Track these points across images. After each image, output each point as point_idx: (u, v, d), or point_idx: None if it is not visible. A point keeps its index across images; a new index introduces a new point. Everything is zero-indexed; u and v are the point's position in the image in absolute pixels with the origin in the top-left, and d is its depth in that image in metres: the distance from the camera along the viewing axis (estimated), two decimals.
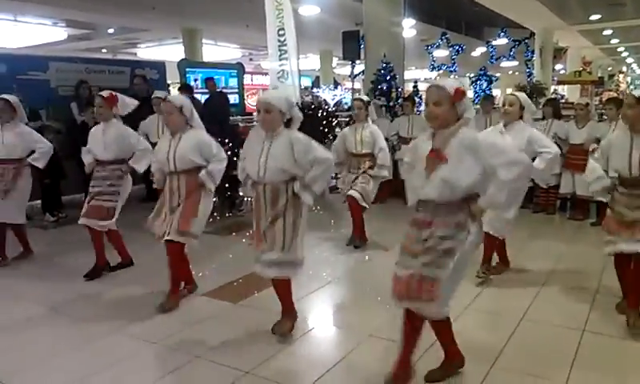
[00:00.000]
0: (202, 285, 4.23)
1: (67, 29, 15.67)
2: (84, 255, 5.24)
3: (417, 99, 9.89)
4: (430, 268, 2.49)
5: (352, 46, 10.53)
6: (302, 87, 10.33)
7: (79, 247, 5.55)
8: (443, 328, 2.73)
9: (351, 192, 5.11)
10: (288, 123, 3.21)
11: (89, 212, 4.43)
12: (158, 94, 6.07)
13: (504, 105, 4.16)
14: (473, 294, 3.91)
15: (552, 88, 19.66)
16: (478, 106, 8.29)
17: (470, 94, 23.72)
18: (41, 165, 4.94)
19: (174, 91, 12.26)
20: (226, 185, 6.17)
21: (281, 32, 7.86)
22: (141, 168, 4.50)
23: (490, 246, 4.16)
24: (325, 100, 9.48)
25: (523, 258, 4.70)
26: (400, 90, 8.88)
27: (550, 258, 4.68)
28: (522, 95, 4.25)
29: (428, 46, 18.23)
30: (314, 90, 21.04)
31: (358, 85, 12.99)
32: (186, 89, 8.39)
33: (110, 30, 16.38)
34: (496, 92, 19.87)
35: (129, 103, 4.55)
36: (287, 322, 3.35)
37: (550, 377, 2.81)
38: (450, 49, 18.06)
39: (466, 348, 3.13)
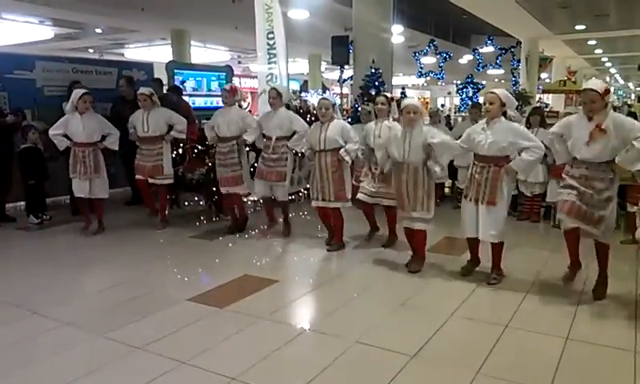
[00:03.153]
0: (188, 289, 4.20)
1: (54, 28, 15.46)
2: (67, 257, 5.20)
3: None
4: (598, 210, 3.74)
5: (341, 50, 10.55)
6: (291, 91, 10.30)
7: (62, 249, 5.50)
8: (605, 250, 3.98)
9: (386, 203, 5.18)
10: None
11: (228, 182, 5.71)
12: (142, 90, 6.07)
13: (484, 103, 4.25)
14: (458, 301, 3.94)
15: (537, 96, 19.89)
16: (465, 113, 8.36)
17: (457, 101, 23.93)
18: (116, 147, 5.97)
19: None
20: (214, 189, 6.16)
21: (270, 35, 7.86)
22: (249, 139, 5.69)
23: (497, 253, 4.41)
24: (313, 104, 9.47)
25: (508, 266, 4.74)
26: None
27: (534, 266, 4.73)
28: (501, 91, 4.28)
29: (416, 52, 18.35)
30: (302, 94, 21.00)
31: (346, 90, 13.02)
32: (174, 90, 8.35)
33: (98, 30, 16.20)
34: (482, 100, 20.05)
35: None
36: (419, 261, 4.64)
37: None
38: (438, 56, 18.20)
39: (451, 354, 3.16)
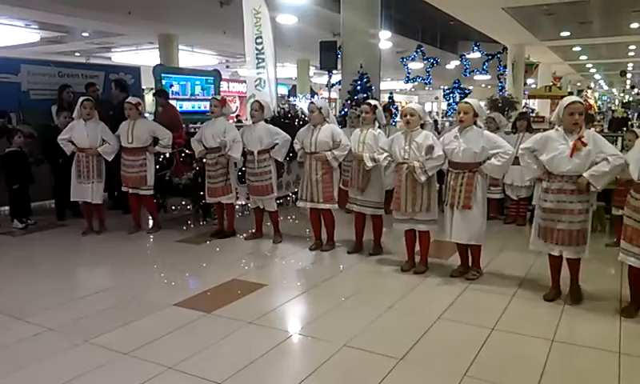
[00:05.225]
0: (175, 294, 4.17)
1: (40, 31, 15.34)
2: (51, 262, 5.14)
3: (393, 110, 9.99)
4: (578, 224, 3.82)
5: (329, 55, 10.61)
6: (279, 96, 10.33)
7: (47, 254, 5.44)
8: (577, 265, 3.98)
9: (361, 209, 5.17)
10: (422, 126, 4.57)
11: (216, 192, 5.75)
12: (130, 100, 6.01)
13: (459, 113, 4.43)
14: (445, 304, 3.96)
15: (523, 102, 20.12)
16: (452, 118, 8.42)
17: (444, 106, 24.12)
18: (109, 158, 5.95)
19: (149, 96, 12.11)
20: (201, 193, 6.13)
21: (258, 40, 7.86)
22: (235, 155, 5.60)
23: (475, 253, 4.60)
24: (301, 109, 9.52)
25: (494, 269, 4.79)
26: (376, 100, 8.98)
27: (520, 269, 4.77)
28: (474, 101, 4.54)
29: (404, 58, 18.51)
30: (291, 98, 21.06)
31: (334, 94, 13.07)
32: (161, 94, 8.31)
33: (85, 34, 16.09)
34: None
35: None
36: (423, 265, 4.68)
37: None
38: (425, 61, 18.37)
39: (438, 357, 3.17)
